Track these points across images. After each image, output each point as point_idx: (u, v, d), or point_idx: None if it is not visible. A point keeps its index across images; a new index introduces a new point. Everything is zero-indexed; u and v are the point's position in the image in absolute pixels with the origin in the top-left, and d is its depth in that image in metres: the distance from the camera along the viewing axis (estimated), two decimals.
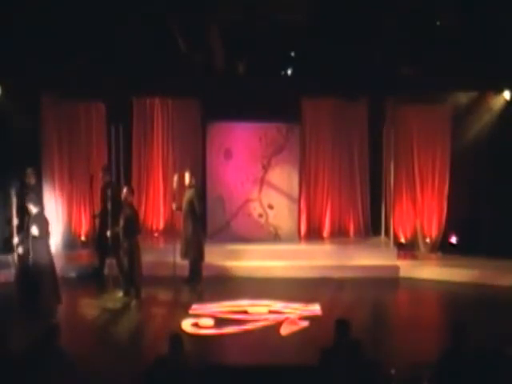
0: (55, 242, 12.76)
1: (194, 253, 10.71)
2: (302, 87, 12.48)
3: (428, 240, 13.32)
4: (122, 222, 10.23)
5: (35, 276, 9.20)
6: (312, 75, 11.89)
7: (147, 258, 11.18)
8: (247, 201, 13.21)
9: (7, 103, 12.16)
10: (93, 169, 12.68)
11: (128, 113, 13.38)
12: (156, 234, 13.63)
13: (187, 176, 10.98)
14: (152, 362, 5.88)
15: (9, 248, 10.59)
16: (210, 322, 9.24)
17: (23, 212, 9.67)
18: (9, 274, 10.46)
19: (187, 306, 9.91)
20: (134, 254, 10.17)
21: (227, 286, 11.24)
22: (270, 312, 9.71)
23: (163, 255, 11.76)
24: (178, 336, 6.02)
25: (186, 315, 9.49)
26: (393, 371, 6.55)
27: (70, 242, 13.27)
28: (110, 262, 10.93)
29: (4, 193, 11.36)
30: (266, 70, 11.84)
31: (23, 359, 5.84)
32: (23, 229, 9.45)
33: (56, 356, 5.83)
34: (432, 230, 13.32)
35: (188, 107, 13.63)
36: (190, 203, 10.70)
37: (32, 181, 11.22)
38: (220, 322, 9.23)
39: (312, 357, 6.25)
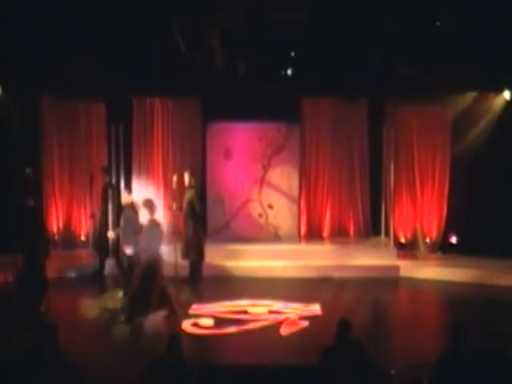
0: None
1: (195, 253, 10.73)
2: (302, 87, 12.47)
3: (428, 240, 13.33)
4: (122, 223, 10.22)
5: None
6: (312, 75, 11.89)
7: None
8: (247, 201, 13.22)
9: (7, 103, 12.16)
10: (93, 169, 12.68)
11: (128, 113, 13.38)
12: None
13: (187, 176, 11.00)
14: (151, 362, 5.87)
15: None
16: (209, 322, 9.24)
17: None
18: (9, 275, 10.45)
19: (187, 306, 9.90)
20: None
21: (227, 285, 11.24)
22: (270, 312, 9.70)
23: (163, 255, 11.76)
24: (177, 336, 6.02)
25: (186, 315, 9.49)
26: (393, 371, 6.56)
27: (70, 242, 13.28)
28: (111, 262, 10.94)
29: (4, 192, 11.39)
30: (266, 70, 11.84)
31: (23, 359, 5.83)
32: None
33: (56, 356, 5.82)
34: (432, 230, 13.33)
35: (188, 107, 13.64)
36: (191, 204, 10.72)
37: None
38: (220, 321, 9.22)
39: (312, 357, 6.24)
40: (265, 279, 11.54)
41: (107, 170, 11.62)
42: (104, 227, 10.82)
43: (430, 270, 12.19)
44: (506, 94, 12.48)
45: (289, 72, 12.05)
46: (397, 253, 12.55)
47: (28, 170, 11.25)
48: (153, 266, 9.17)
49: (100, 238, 11.04)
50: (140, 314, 9.07)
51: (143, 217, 9.64)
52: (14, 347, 6.16)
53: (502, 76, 11.79)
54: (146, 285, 9.10)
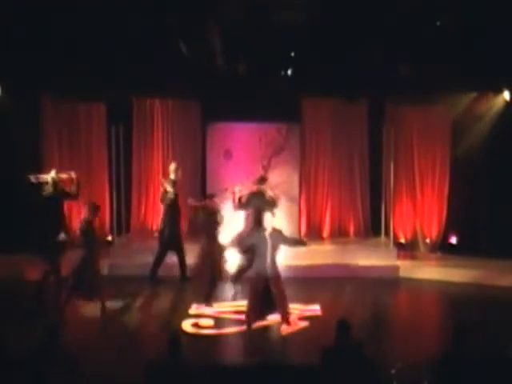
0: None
1: None
2: (302, 87, 12.48)
3: (428, 240, 13.33)
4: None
5: None
6: (312, 75, 11.89)
7: (147, 258, 11.23)
8: None
9: (7, 103, 12.16)
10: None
11: (128, 113, 13.38)
12: (156, 234, 13.59)
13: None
14: (151, 362, 5.88)
15: None
16: (209, 322, 9.24)
17: None
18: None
19: (187, 306, 9.90)
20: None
21: (227, 285, 11.22)
22: None
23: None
24: (177, 336, 6.02)
25: (186, 315, 9.49)
26: (393, 371, 6.56)
27: (70, 242, 13.26)
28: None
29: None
30: (266, 70, 11.84)
31: (24, 359, 5.84)
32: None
33: (57, 356, 5.83)
34: (432, 230, 13.34)
35: (188, 108, 13.63)
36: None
37: None
38: (220, 322, 9.22)
39: (312, 357, 6.24)
40: None
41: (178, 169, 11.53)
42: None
43: (430, 270, 12.18)
44: (506, 95, 12.48)
45: (289, 72, 12.05)
46: (397, 253, 12.54)
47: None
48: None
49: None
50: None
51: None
52: (15, 347, 6.16)
53: (502, 76, 11.79)
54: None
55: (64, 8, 10.15)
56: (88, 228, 9.46)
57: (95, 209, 9.66)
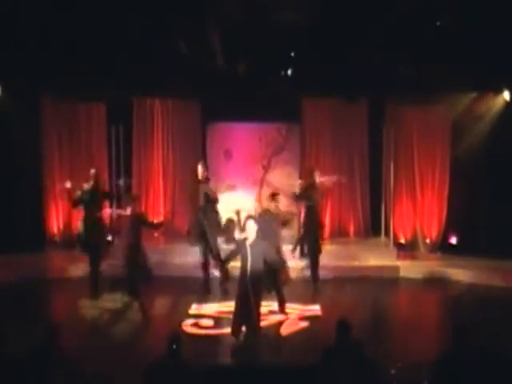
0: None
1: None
2: (302, 87, 12.48)
3: (428, 240, 13.34)
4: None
5: None
6: (312, 75, 11.90)
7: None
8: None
9: (7, 103, 12.17)
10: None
11: (128, 113, 13.39)
12: (156, 234, 13.60)
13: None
14: (151, 362, 5.88)
15: None
16: (209, 322, 9.24)
17: None
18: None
19: (187, 306, 9.90)
20: None
21: (228, 285, 11.21)
22: (270, 312, 9.69)
23: (163, 255, 11.77)
24: (177, 336, 6.01)
25: (186, 315, 9.49)
26: (393, 371, 6.56)
27: (70, 242, 13.28)
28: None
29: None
30: (266, 70, 11.85)
31: (24, 359, 5.84)
32: None
33: (56, 356, 5.83)
34: (432, 230, 13.34)
35: (188, 108, 13.64)
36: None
37: None
38: (220, 321, 9.22)
39: (312, 357, 6.24)
40: None
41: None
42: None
43: (430, 270, 12.17)
44: (506, 94, 12.48)
45: (289, 72, 12.06)
46: (397, 253, 12.55)
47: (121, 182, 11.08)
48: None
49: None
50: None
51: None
52: (14, 347, 6.16)
53: (502, 76, 11.80)
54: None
55: (64, 8, 10.15)
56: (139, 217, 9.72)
57: (136, 199, 10.17)
